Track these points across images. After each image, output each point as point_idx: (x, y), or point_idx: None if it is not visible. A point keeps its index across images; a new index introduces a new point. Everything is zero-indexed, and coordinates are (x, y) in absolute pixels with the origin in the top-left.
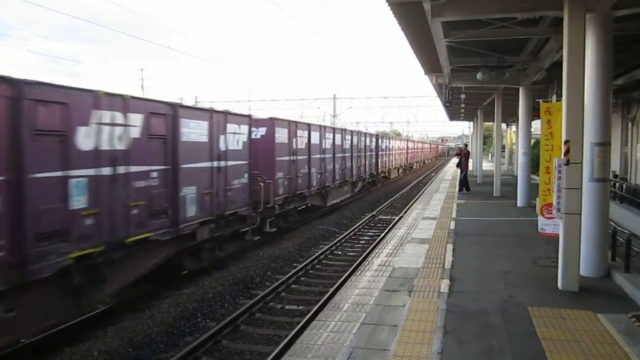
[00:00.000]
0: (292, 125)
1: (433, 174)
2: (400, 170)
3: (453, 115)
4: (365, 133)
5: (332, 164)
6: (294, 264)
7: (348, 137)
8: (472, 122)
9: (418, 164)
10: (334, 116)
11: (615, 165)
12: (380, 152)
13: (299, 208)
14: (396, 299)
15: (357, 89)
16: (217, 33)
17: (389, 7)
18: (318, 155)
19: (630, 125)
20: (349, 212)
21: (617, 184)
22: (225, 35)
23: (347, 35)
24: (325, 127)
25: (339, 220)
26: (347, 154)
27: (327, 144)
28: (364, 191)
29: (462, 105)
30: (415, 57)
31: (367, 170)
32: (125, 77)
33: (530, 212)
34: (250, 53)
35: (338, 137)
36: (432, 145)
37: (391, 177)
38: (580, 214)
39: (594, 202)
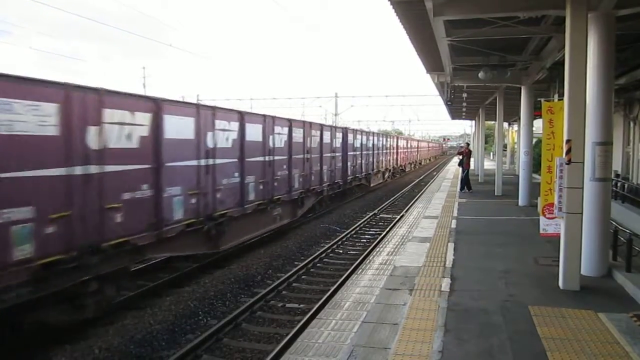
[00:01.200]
0: (87, 99)
1: (434, 173)
2: (386, 175)
3: (454, 114)
4: (320, 125)
5: (237, 173)
6: (295, 262)
7: (282, 130)
8: (473, 121)
9: (412, 165)
10: (335, 114)
11: (616, 165)
12: (351, 153)
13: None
14: (397, 297)
15: (358, 87)
16: (219, 31)
17: (391, 6)
18: (192, 162)
19: (632, 124)
20: (350, 211)
21: (618, 184)
22: (227, 33)
23: (348, 34)
24: (216, 109)
25: (340, 218)
26: (277, 157)
27: (223, 141)
28: (320, 210)
29: (464, 104)
30: (417, 55)
31: (324, 179)
32: (126, 75)
33: (532, 211)
34: (252, 51)
35: (254, 130)
36: (429, 144)
37: (371, 185)
38: (582, 214)
39: (596, 202)
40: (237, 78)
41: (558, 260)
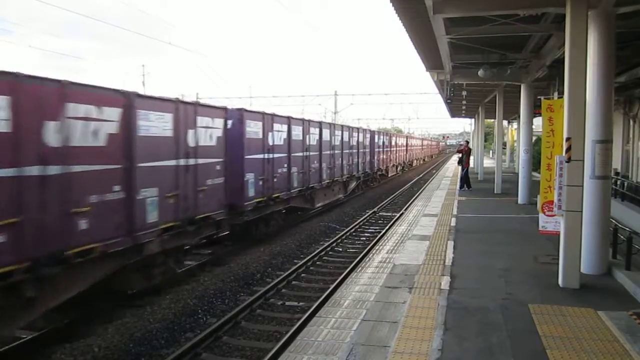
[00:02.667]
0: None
1: (433, 171)
2: (351, 186)
3: (454, 112)
4: (122, 97)
5: None
6: (295, 261)
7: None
8: (473, 119)
9: (398, 168)
10: (335, 112)
11: (616, 163)
12: (257, 157)
13: None
14: (397, 295)
15: (358, 85)
16: (219, 29)
17: (391, 4)
18: None
19: (631, 122)
20: (350, 209)
21: (618, 182)
22: (227, 31)
23: (348, 32)
24: None
25: (340, 217)
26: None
27: None
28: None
29: (464, 102)
30: (417, 54)
31: (147, 217)
32: (126, 73)
33: (531, 209)
34: (251, 49)
35: None
36: (424, 141)
37: (317, 206)
38: (582, 212)
39: (595, 200)
40: (236, 76)
41: (558, 258)
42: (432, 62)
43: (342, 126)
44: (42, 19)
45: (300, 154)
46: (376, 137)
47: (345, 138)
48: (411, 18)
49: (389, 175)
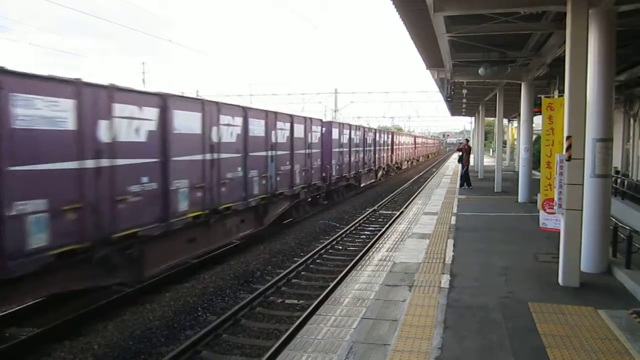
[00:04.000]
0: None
1: (434, 169)
2: (282, 207)
3: (454, 110)
4: None
5: None
6: (295, 259)
7: None
8: (473, 118)
9: (378, 173)
10: (335, 111)
11: (616, 162)
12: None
13: None
14: (396, 293)
15: (358, 84)
16: (219, 27)
17: (392, 2)
18: None
19: (632, 121)
20: (349, 207)
21: (618, 180)
22: (227, 29)
23: (349, 30)
24: None
25: (340, 215)
26: None
27: None
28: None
29: (464, 101)
30: (417, 52)
31: None
32: (126, 71)
33: (531, 208)
34: (252, 48)
35: None
36: (417, 139)
37: (151, 276)
38: (582, 210)
39: (596, 198)
40: (236, 74)
41: (558, 257)
42: (432, 60)
43: (249, 111)
44: (41, 17)
45: (74, 164)
46: (335, 132)
47: (258, 131)
48: (411, 16)
49: (362, 185)
